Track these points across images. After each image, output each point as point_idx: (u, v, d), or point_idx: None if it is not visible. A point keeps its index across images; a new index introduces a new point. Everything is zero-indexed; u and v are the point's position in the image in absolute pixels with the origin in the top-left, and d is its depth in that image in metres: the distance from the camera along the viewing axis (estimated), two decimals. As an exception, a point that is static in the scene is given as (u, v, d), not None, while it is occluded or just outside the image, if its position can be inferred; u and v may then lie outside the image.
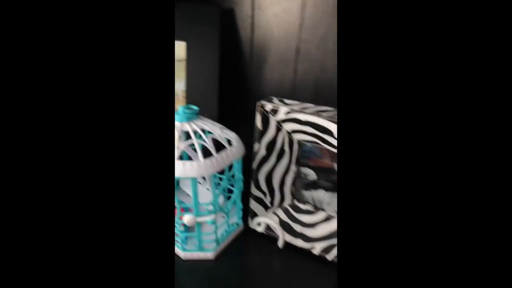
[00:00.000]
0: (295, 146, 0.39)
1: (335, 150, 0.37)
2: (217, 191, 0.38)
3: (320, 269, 0.40)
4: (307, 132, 0.37)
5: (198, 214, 0.37)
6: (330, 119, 0.34)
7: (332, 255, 0.40)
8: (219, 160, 0.35)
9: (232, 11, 0.46)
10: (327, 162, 0.39)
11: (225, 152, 0.36)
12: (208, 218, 0.38)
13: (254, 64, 0.48)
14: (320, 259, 0.41)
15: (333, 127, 0.34)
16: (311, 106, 0.37)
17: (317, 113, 0.35)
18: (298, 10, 0.41)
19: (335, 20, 0.39)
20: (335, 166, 0.38)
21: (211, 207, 0.38)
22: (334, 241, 0.40)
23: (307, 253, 0.41)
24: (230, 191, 0.46)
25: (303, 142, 0.39)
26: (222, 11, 0.45)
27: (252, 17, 0.45)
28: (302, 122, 0.36)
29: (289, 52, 0.44)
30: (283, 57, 0.45)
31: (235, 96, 0.51)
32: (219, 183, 0.46)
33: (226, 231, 0.43)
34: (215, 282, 0.37)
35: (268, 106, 0.37)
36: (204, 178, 0.51)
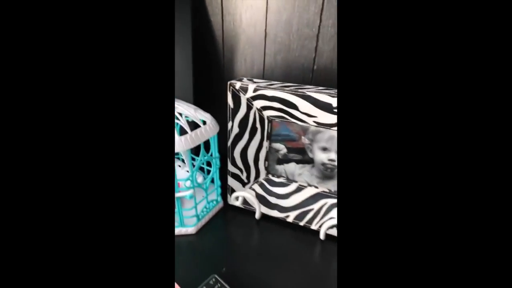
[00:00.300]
0: (266, 123, 0.42)
1: (301, 123, 0.40)
2: (193, 167, 0.40)
3: (294, 234, 0.43)
4: (275, 108, 0.40)
5: (176, 190, 0.39)
6: (292, 92, 0.37)
7: (304, 221, 0.43)
8: (193, 137, 0.37)
9: (201, -2, 0.48)
10: (301, 143, 0.42)
11: (200, 130, 0.38)
12: (186, 193, 0.40)
13: (226, 48, 0.50)
14: (293, 226, 0.44)
15: (296, 100, 0.37)
16: (277, 83, 0.40)
17: (281, 88, 0.38)
18: (263, -5, 0.44)
19: (297, 3, 0.42)
20: (304, 140, 0.41)
21: (188, 183, 0.40)
22: (305, 208, 0.43)
23: (282, 221, 0.45)
24: (209, 172, 0.48)
25: (271, 118, 0.42)
26: (192, -2, 0.47)
27: (222, 3, 0.47)
28: (269, 98, 0.39)
29: (257, 35, 0.46)
30: (252, 40, 0.47)
31: (209, 79, 0.53)
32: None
33: (206, 207, 0.45)
34: (198, 254, 0.39)
35: (238, 85, 0.40)
36: (183, 161, 0.53)
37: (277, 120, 0.41)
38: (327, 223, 0.41)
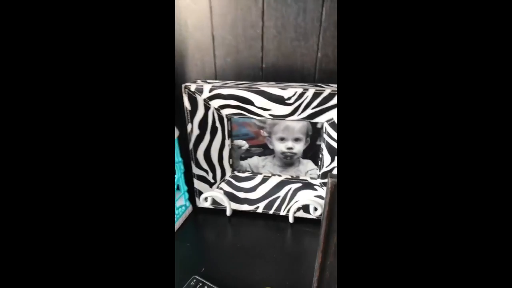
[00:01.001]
0: (225, 121, 0.44)
1: (258, 118, 0.42)
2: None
3: (265, 224, 0.45)
4: (232, 106, 0.41)
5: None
6: (247, 89, 0.39)
7: (272, 210, 0.46)
8: (153, 142, 0.37)
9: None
10: (261, 140, 0.44)
11: (159, 135, 0.38)
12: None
13: (176, 54, 0.50)
14: (264, 216, 0.46)
15: (251, 96, 0.40)
16: (231, 82, 0.42)
17: (236, 86, 0.40)
18: (206, 0, 0.45)
19: (239, 6, 0.44)
20: (263, 133, 0.44)
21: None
22: (272, 197, 0.46)
23: (253, 214, 0.46)
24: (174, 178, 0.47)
25: (230, 116, 0.43)
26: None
27: (164, 9, 0.47)
28: (226, 96, 0.40)
29: (205, 39, 0.48)
30: (200, 44, 0.48)
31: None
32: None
33: (175, 214, 0.44)
34: (175, 261, 0.39)
35: (193, 87, 0.40)
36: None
37: (234, 118, 0.43)
38: (293, 207, 0.44)
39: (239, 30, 0.46)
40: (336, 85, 0.40)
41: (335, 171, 0.42)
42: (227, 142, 0.45)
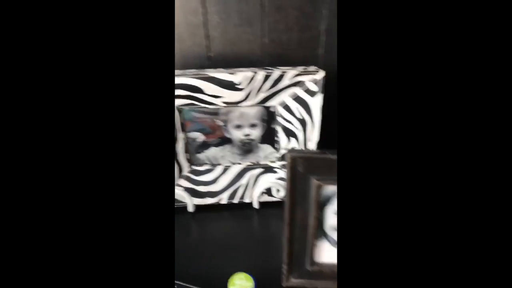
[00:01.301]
0: (176, 113, 0.41)
1: (210, 106, 0.41)
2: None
3: (232, 214, 0.44)
4: (181, 96, 0.39)
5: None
6: (195, 76, 0.38)
7: (237, 198, 0.45)
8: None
9: None
10: (218, 134, 0.43)
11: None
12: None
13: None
14: (229, 206, 0.45)
15: (200, 84, 0.38)
16: (178, 72, 0.40)
17: (183, 74, 0.38)
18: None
19: (182, -8, 0.42)
20: (219, 122, 0.43)
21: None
22: (235, 186, 0.45)
23: (217, 206, 0.45)
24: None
25: (181, 107, 0.41)
26: None
27: None
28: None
29: (143, 28, 0.44)
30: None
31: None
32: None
33: (131, 219, 0.41)
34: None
35: (135, 78, 0.37)
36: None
37: (185, 110, 0.41)
38: (257, 192, 0.44)
39: (179, 18, 0.44)
40: (284, 67, 0.40)
41: (293, 148, 0.43)
42: (181, 135, 0.43)
